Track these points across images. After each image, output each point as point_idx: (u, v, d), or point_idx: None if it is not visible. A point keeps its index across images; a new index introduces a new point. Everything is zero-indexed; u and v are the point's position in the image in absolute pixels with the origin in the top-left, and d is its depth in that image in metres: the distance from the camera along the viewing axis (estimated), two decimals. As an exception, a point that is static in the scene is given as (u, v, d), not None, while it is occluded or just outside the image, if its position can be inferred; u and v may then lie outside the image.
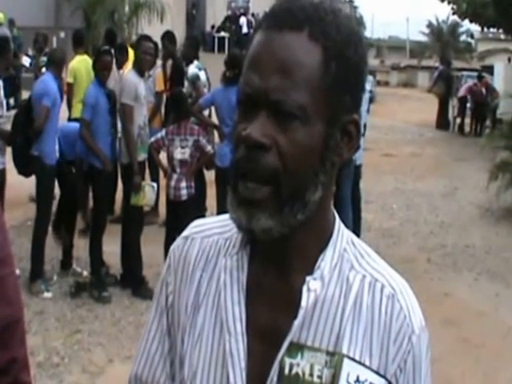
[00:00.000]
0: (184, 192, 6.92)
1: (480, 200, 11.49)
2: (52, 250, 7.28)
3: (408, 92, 33.16)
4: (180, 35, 14.19)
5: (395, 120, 22.80)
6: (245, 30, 31.87)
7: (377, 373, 1.25)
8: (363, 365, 1.24)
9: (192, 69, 9.03)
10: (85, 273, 6.97)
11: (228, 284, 1.29)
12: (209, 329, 1.31)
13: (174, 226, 6.82)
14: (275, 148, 1.18)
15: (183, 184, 6.93)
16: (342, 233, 1.31)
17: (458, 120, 21.80)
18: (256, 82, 1.19)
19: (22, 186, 7.34)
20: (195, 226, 1.42)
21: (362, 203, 8.76)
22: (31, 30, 13.62)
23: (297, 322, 1.23)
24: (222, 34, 32.12)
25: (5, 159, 6.97)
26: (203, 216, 8.43)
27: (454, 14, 22.98)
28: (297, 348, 1.24)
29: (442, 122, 21.75)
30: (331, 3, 1.25)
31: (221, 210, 8.83)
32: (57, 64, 6.94)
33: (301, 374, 1.23)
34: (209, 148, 7.04)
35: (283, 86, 1.17)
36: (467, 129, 21.54)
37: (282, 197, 1.19)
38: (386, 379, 1.26)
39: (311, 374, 1.23)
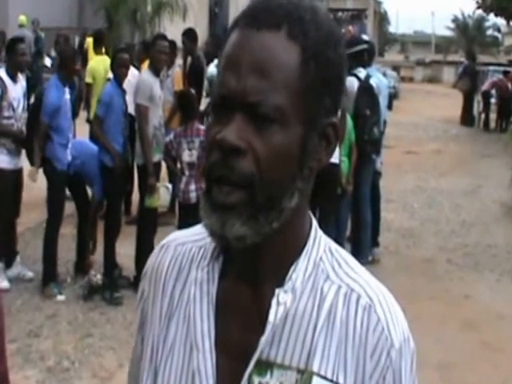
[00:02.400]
0: (193, 195, 6.83)
1: (504, 198, 11.32)
2: (67, 252, 7.25)
3: (433, 88, 32.89)
4: (202, 33, 14.15)
5: (419, 116, 22.60)
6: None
7: None
8: (336, 383, 1.17)
9: (212, 68, 8.97)
10: (98, 276, 6.91)
11: (197, 297, 1.23)
12: (180, 343, 1.25)
13: (185, 229, 6.74)
14: (251, 152, 1.12)
15: (192, 187, 6.85)
16: (318, 241, 1.24)
17: (483, 116, 21.56)
18: (232, 83, 1.13)
19: (38, 187, 7.33)
20: (173, 234, 1.37)
21: (381, 202, 8.63)
22: (54, 31, 13.63)
23: (264, 338, 1.17)
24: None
25: (20, 160, 6.92)
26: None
27: (478, 7, 22.73)
28: (266, 366, 1.18)
29: (467, 118, 21.52)
30: (310, 2, 1.20)
31: None
32: (65, 65, 6.85)
33: None
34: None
35: (260, 88, 1.12)
36: (492, 124, 21.29)
37: (257, 203, 1.13)
38: None
39: None
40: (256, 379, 1.18)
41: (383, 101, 7.97)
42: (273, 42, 1.13)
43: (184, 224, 6.89)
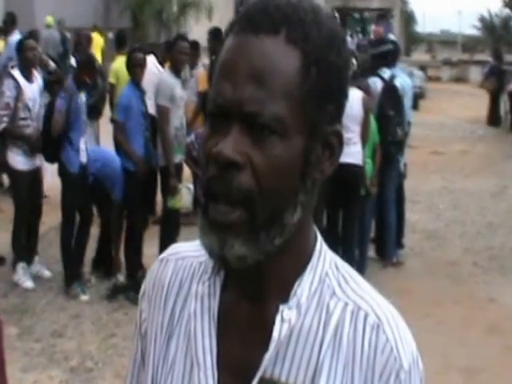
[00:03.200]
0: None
1: (531, 200, 11.20)
2: (92, 252, 7.27)
3: (460, 87, 32.60)
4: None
5: (445, 116, 22.41)
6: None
7: None
8: None
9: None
10: (122, 276, 6.94)
11: (198, 313, 1.19)
12: (180, 360, 1.20)
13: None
14: (250, 166, 1.06)
15: None
16: (323, 255, 1.19)
17: (510, 116, 21.34)
18: (228, 92, 1.07)
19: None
20: (173, 248, 1.32)
21: (406, 203, 8.57)
22: (80, 31, 13.67)
23: (268, 356, 1.12)
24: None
25: (36, 160, 6.94)
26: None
27: (505, 6, 22.52)
28: None
29: (494, 118, 21.30)
30: (310, 2, 1.13)
31: None
32: (79, 71, 6.86)
33: None
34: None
35: (258, 97, 1.06)
36: (519, 125, 21.07)
37: (258, 221, 1.08)
38: None
39: None
40: None
41: (408, 102, 7.91)
42: (271, 46, 1.07)
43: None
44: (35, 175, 6.95)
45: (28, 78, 6.83)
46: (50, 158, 6.90)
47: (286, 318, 1.13)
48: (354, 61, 6.98)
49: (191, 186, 7.20)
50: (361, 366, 1.13)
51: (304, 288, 1.15)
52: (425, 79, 27.80)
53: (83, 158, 6.77)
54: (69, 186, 6.77)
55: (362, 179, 7.15)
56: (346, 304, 1.16)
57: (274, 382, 1.13)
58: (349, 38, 29.96)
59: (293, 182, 1.09)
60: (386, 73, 7.74)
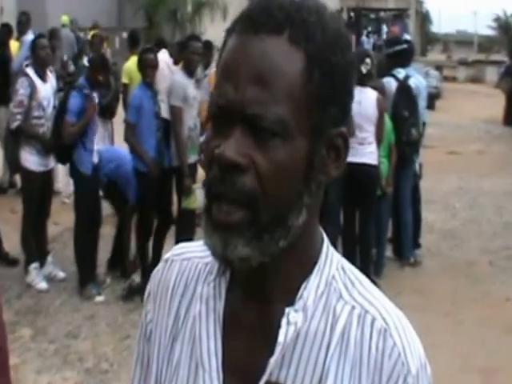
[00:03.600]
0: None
1: (547, 199, 11.09)
2: (107, 253, 7.26)
3: (476, 87, 32.45)
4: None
5: (462, 116, 22.29)
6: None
7: None
8: None
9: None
10: (137, 278, 6.92)
11: (203, 314, 1.17)
12: (185, 362, 1.18)
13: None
14: (252, 168, 1.05)
15: None
16: (330, 258, 1.17)
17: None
18: (230, 93, 1.05)
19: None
20: (178, 248, 1.30)
21: (423, 203, 8.50)
22: (94, 31, 13.73)
23: (273, 360, 1.10)
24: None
25: (50, 161, 6.93)
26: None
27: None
28: None
29: (510, 118, 21.15)
30: (315, 2, 1.10)
31: None
32: (91, 72, 6.84)
33: None
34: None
35: (261, 99, 1.04)
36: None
37: (261, 222, 1.06)
38: None
39: None
40: None
41: (422, 102, 7.84)
42: (274, 47, 1.05)
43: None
44: (47, 176, 6.92)
45: (42, 77, 6.81)
46: (62, 159, 6.88)
47: (292, 321, 1.11)
48: (368, 61, 6.93)
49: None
50: (368, 371, 1.11)
51: (310, 291, 1.13)
52: (441, 79, 27.67)
53: (95, 159, 6.75)
54: (81, 187, 6.76)
55: (377, 179, 7.10)
56: (353, 307, 1.14)
57: None
58: (365, 38, 29.93)
59: (297, 185, 1.08)
60: (401, 73, 7.68)
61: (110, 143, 9.52)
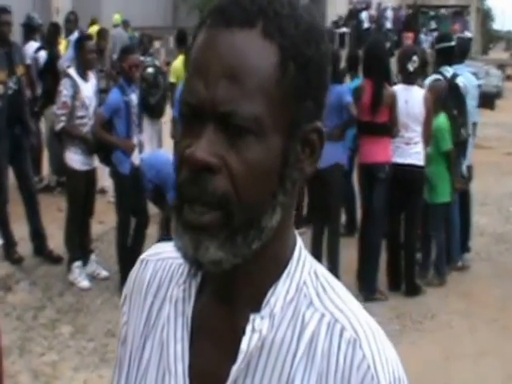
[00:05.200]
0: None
1: None
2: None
3: (539, 86, 31.70)
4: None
5: (522, 117, 21.79)
6: (366, 25, 31.32)
7: None
8: None
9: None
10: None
11: (172, 317, 1.13)
12: (154, 365, 1.15)
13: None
14: (225, 169, 1.00)
15: None
16: (302, 262, 1.11)
17: None
18: (201, 90, 1.00)
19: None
20: (153, 248, 1.26)
21: (475, 206, 8.30)
22: (148, 31, 13.80)
23: (235, 368, 1.06)
24: (343, 29, 31.70)
25: (93, 160, 6.97)
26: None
27: None
28: None
29: None
30: None
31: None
32: (121, 58, 6.83)
33: None
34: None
35: (233, 95, 0.99)
36: None
37: (235, 224, 1.01)
38: None
39: None
40: None
41: (472, 101, 7.64)
42: (246, 41, 1.00)
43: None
44: (91, 175, 6.96)
45: (84, 77, 6.84)
46: (104, 160, 6.93)
47: (256, 329, 1.06)
48: (415, 58, 6.79)
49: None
50: (335, 383, 1.05)
51: (279, 297, 1.08)
52: (502, 78, 27.10)
53: (136, 160, 6.78)
54: (120, 187, 6.80)
55: (423, 180, 6.93)
56: (323, 315, 1.08)
57: None
58: (423, 36, 29.48)
59: (271, 184, 1.03)
60: (449, 71, 7.50)
61: (158, 142, 9.56)
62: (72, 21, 11.08)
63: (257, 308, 1.08)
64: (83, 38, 7.20)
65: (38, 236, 7.41)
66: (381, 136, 6.69)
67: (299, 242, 1.14)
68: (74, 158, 6.79)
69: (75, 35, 9.73)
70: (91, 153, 6.82)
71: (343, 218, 8.29)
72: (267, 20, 1.01)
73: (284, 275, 1.09)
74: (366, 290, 6.87)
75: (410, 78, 6.84)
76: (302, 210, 8.82)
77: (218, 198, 1.00)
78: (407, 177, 6.77)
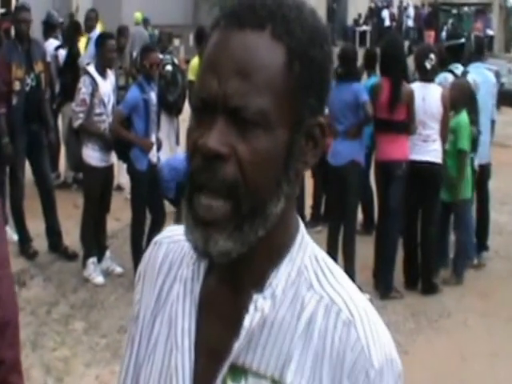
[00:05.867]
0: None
1: None
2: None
3: None
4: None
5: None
6: (387, 23, 31.24)
7: None
8: None
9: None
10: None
11: (181, 295, 1.22)
12: (162, 341, 1.24)
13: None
14: (234, 158, 1.09)
15: None
16: (304, 247, 1.20)
17: None
18: (213, 86, 1.09)
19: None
20: (167, 231, 1.35)
21: (495, 204, 8.23)
22: (168, 29, 13.82)
23: (237, 344, 1.14)
24: (364, 27, 31.63)
25: (111, 156, 6.99)
26: (302, 216, 8.22)
27: None
28: (241, 372, 1.15)
29: None
30: None
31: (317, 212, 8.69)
32: (146, 68, 6.86)
33: None
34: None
35: (243, 91, 1.08)
36: None
37: (242, 212, 1.10)
38: None
39: None
40: None
41: (489, 99, 7.57)
42: (256, 42, 1.10)
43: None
44: (108, 172, 6.97)
45: (102, 74, 6.86)
46: (122, 156, 6.95)
47: (259, 308, 1.14)
48: (433, 56, 6.75)
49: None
50: (330, 361, 1.13)
51: (280, 279, 1.16)
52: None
53: (153, 157, 6.79)
54: (137, 184, 6.83)
55: (440, 178, 6.88)
56: (321, 297, 1.16)
57: (245, 369, 1.15)
58: (445, 34, 29.32)
59: (276, 173, 1.12)
60: (459, 68, 7.46)
61: (175, 140, 9.56)
62: (92, 18, 11.13)
63: (260, 289, 1.16)
64: (104, 36, 7.22)
65: (53, 232, 7.43)
66: (398, 133, 6.68)
67: (301, 229, 1.21)
68: (92, 155, 6.81)
69: (96, 33, 9.75)
70: (109, 149, 6.84)
71: (360, 217, 8.25)
72: (276, 23, 1.10)
73: (286, 259, 1.17)
74: (381, 288, 6.86)
75: (427, 76, 6.81)
76: (320, 208, 8.80)
77: (227, 184, 1.08)
78: (424, 174, 6.73)
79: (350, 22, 33.13)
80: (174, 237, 1.31)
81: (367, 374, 1.12)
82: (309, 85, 1.13)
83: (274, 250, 1.17)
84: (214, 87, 1.09)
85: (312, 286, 1.17)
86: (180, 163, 7.18)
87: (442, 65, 7.48)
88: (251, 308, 1.14)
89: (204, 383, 1.17)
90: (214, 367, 1.16)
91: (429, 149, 6.76)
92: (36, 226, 7.39)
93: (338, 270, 1.21)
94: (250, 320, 1.14)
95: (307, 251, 1.20)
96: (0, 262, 1.65)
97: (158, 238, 1.33)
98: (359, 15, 32.34)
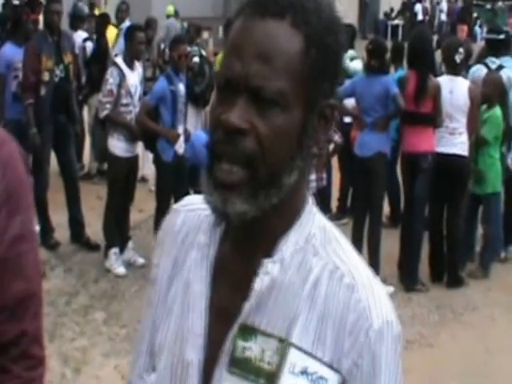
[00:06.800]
0: (313, 184, 6.64)
1: None
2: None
3: None
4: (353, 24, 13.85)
5: None
6: (420, 17, 30.99)
7: (330, 366, 1.22)
8: (313, 356, 1.22)
9: (347, 61, 8.76)
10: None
11: (198, 260, 1.31)
12: (178, 303, 1.33)
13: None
14: (253, 132, 1.19)
15: (312, 176, 6.65)
16: (313, 217, 1.30)
17: None
18: (237, 67, 1.20)
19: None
20: (186, 200, 1.45)
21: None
22: (198, 21, 13.81)
23: (248, 305, 1.23)
24: (396, 21, 31.40)
25: (135, 147, 6.98)
26: (328, 208, 8.14)
27: None
28: (250, 331, 1.24)
29: None
30: None
31: (342, 203, 8.64)
32: (175, 59, 6.86)
33: (252, 358, 1.23)
34: (336, 137, 6.71)
35: (264, 73, 1.19)
36: None
37: (259, 181, 1.20)
38: (341, 374, 1.22)
39: (261, 360, 1.23)
40: (240, 343, 1.24)
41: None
42: (277, 29, 1.20)
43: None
44: (133, 162, 6.97)
45: (130, 66, 6.87)
46: (149, 146, 6.95)
47: (268, 271, 1.23)
48: (462, 50, 6.72)
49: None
50: (334, 322, 1.22)
51: (289, 246, 1.25)
52: None
53: (180, 149, 6.78)
54: (162, 175, 6.85)
55: (467, 171, 6.79)
56: (327, 263, 1.26)
57: (254, 328, 1.23)
58: (478, 29, 28.98)
59: (291, 148, 1.22)
60: (495, 62, 7.37)
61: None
62: (123, 10, 11.15)
63: (270, 254, 1.25)
64: (133, 29, 7.22)
65: (76, 223, 7.43)
66: (424, 126, 6.65)
67: (310, 202, 1.31)
68: (117, 145, 6.82)
69: (126, 24, 9.75)
70: (134, 140, 6.85)
71: (387, 209, 8.17)
72: (295, 13, 1.21)
73: (295, 227, 1.27)
74: (407, 281, 6.82)
75: (455, 70, 6.81)
76: (346, 200, 8.73)
77: (246, 155, 1.19)
78: (451, 167, 6.67)
79: (382, 15, 32.89)
80: (191, 205, 1.40)
81: (367, 333, 1.21)
82: (323, 70, 1.23)
83: (285, 218, 1.27)
84: (238, 68, 1.19)
85: (318, 252, 1.26)
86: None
87: (479, 57, 7.42)
88: (261, 271, 1.24)
89: (217, 342, 1.26)
90: (225, 327, 1.25)
91: (455, 141, 6.72)
92: (58, 216, 7.39)
93: (343, 241, 1.30)
94: (260, 282, 1.23)
95: (315, 221, 1.29)
96: (25, 236, 1.68)
97: (177, 205, 1.44)
98: (391, 9, 32.11)
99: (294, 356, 1.21)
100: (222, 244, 1.31)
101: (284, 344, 1.21)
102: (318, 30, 1.22)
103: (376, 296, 1.24)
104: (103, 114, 6.82)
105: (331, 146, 6.75)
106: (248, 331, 1.23)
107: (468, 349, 5.72)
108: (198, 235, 1.34)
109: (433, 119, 6.61)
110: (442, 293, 6.80)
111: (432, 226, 7.06)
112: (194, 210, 1.39)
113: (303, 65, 1.21)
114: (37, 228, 7.21)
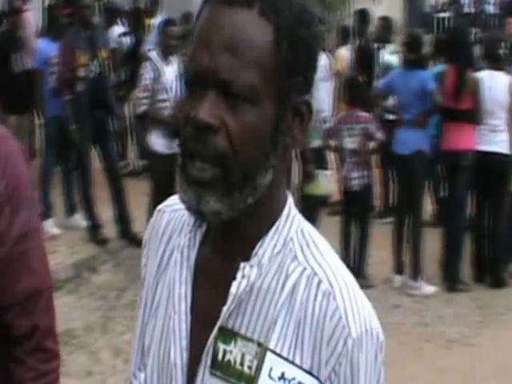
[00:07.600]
0: (355, 182, 6.67)
1: None
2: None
3: None
4: (397, 17, 13.74)
5: None
6: (466, 9, 30.55)
7: (309, 373, 1.19)
8: (291, 362, 1.20)
9: (386, 55, 8.69)
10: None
11: (178, 262, 1.29)
12: (163, 305, 1.32)
13: (349, 216, 6.83)
14: (224, 129, 1.14)
15: (355, 174, 6.68)
16: (291, 219, 1.25)
17: None
18: (204, 60, 1.15)
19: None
20: (169, 200, 1.41)
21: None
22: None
23: (225, 308, 1.21)
24: (442, 14, 31.02)
25: (175, 144, 7.01)
26: (371, 206, 8.10)
27: None
28: (230, 335, 1.22)
29: None
30: None
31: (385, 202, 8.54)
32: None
33: (232, 361, 1.22)
34: (379, 135, 6.70)
35: (232, 66, 1.13)
36: None
37: (231, 180, 1.16)
38: (320, 381, 1.19)
39: (242, 364, 1.21)
40: (221, 346, 1.22)
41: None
42: (245, 19, 1.14)
43: (347, 211, 6.84)
44: (174, 158, 7.00)
45: (165, 60, 6.88)
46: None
47: (245, 275, 1.20)
48: (503, 44, 6.65)
49: (328, 173, 7.06)
50: (310, 329, 1.19)
51: (266, 249, 1.22)
52: None
53: None
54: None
55: (509, 169, 6.72)
56: (305, 269, 1.21)
57: (234, 332, 1.22)
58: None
59: (264, 147, 1.17)
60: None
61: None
62: (154, 3, 11.14)
63: (247, 258, 1.21)
64: (165, 23, 7.22)
65: (122, 219, 7.43)
66: (464, 122, 6.56)
67: (289, 202, 1.26)
68: (157, 141, 6.84)
69: (159, 19, 9.78)
70: (171, 136, 6.85)
71: (430, 208, 8.13)
72: (264, 2, 1.14)
73: (272, 230, 1.23)
74: (449, 280, 6.79)
75: (498, 64, 6.71)
76: (388, 199, 8.66)
77: (216, 154, 1.14)
78: (492, 165, 6.58)
79: (427, 8, 32.49)
80: (175, 205, 1.36)
81: (345, 342, 1.17)
82: (296, 63, 1.17)
83: (262, 220, 1.23)
84: (205, 61, 1.14)
85: (296, 257, 1.22)
86: None
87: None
88: (239, 275, 1.20)
89: (199, 344, 1.24)
90: (207, 330, 1.23)
91: (496, 139, 6.64)
92: (105, 213, 7.44)
93: (322, 244, 1.25)
94: (236, 286, 1.20)
95: (294, 224, 1.24)
96: (30, 234, 1.70)
97: (161, 206, 1.40)
98: (437, 1, 31.73)
99: (271, 361, 1.19)
100: (202, 246, 1.28)
101: (262, 348, 1.20)
102: (289, 21, 1.15)
103: (354, 303, 1.20)
104: (140, 109, 6.87)
105: (374, 144, 6.76)
106: (228, 334, 1.22)
107: (509, 349, 5.69)
108: (180, 236, 1.31)
109: (473, 116, 6.52)
110: (483, 293, 6.77)
111: (474, 225, 7.00)
112: (177, 210, 1.35)
113: (274, 57, 1.15)
114: (83, 224, 7.32)
